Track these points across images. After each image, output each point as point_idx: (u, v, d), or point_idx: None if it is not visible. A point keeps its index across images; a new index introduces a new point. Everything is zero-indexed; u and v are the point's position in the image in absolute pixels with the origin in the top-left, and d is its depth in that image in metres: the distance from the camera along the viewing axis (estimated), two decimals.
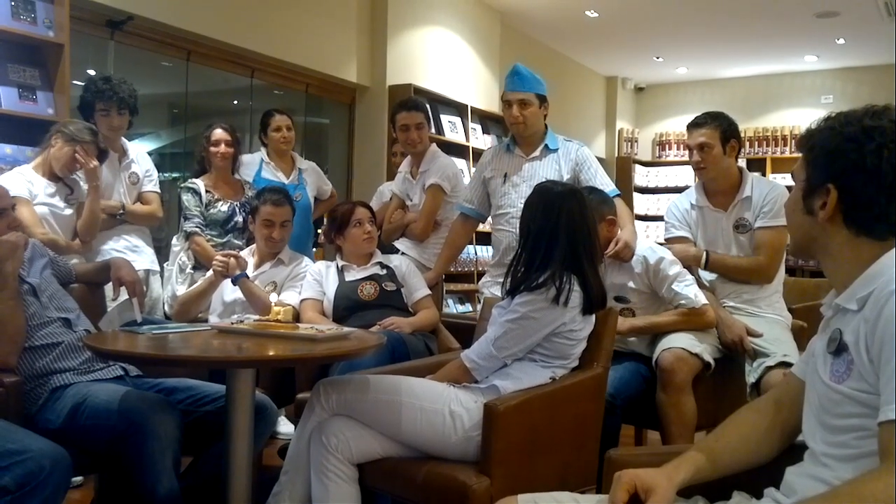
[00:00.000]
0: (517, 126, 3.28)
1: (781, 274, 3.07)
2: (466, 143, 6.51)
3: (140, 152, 3.76)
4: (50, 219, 3.18)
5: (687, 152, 3.09)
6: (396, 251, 3.77)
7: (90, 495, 2.68)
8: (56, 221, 3.21)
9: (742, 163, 3.15)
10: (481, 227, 3.89)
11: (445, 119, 6.34)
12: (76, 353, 2.32)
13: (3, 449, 1.76)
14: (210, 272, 3.20)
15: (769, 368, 2.71)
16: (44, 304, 2.37)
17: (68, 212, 3.26)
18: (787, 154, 9.16)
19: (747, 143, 9.26)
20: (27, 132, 3.32)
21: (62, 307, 2.42)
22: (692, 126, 3.04)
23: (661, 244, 3.05)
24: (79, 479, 2.82)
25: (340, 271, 3.21)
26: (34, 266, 2.44)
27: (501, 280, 3.27)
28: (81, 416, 2.13)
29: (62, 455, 1.81)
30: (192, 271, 3.62)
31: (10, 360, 2.17)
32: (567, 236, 2.24)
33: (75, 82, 3.77)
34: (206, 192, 3.73)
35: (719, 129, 2.98)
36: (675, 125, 10.11)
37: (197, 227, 3.64)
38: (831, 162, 1.29)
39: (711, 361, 2.74)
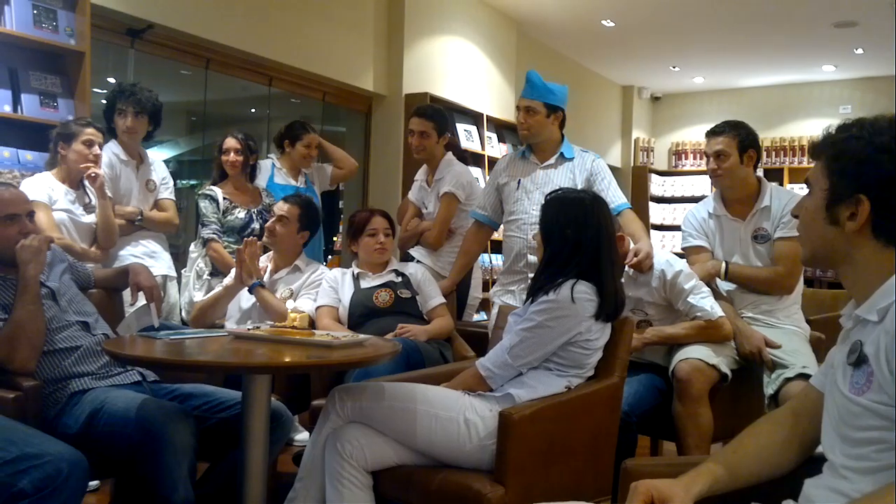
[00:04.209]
0: (521, 132, 3.33)
1: (800, 285, 3.04)
2: (482, 152, 6.52)
3: (157, 160, 3.79)
4: (69, 225, 3.21)
5: (704, 161, 3.08)
6: (411, 259, 3.78)
7: (106, 499, 2.70)
8: (75, 228, 3.24)
9: (760, 173, 3.13)
10: (495, 236, 3.89)
11: (461, 127, 6.35)
12: (95, 357, 2.34)
13: (21, 452, 1.77)
14: (228, 279, 3.22)
15: (788, 380, 2.68)
16: (63, 308, 2.39)
17: (87, 219, 3.29)
18: (805, 164, 9.09)
19: (765, 154, 9.21)
20: (48, 139, 3.35)
21: (81, 311, 2.44)
22: (710, 134, 3.04)
23: (677, 254, 3.04)
24: (95, 483, 2.83)
25: (356, 278, 3.21)
26: (54, 270, 2.46)
27: (512, 288, 3.31)
28: (99, 423, 2.14)
29: (80, 459, 1.82)
30: (209, 277, 3.65)
31: (29, 364, 2.19)
32: (591, 243, 2.24)
33: (96, 90, 3.81)
34: (224, 198, 3.76)
35: (737, 138, 2.97)
36: (692, 135, 10.07)
37: (214, 233, 3.68)
38: (862, 172, 1.27)
39: (728, 372, 2.72)
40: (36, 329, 2.21)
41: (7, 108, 3.45)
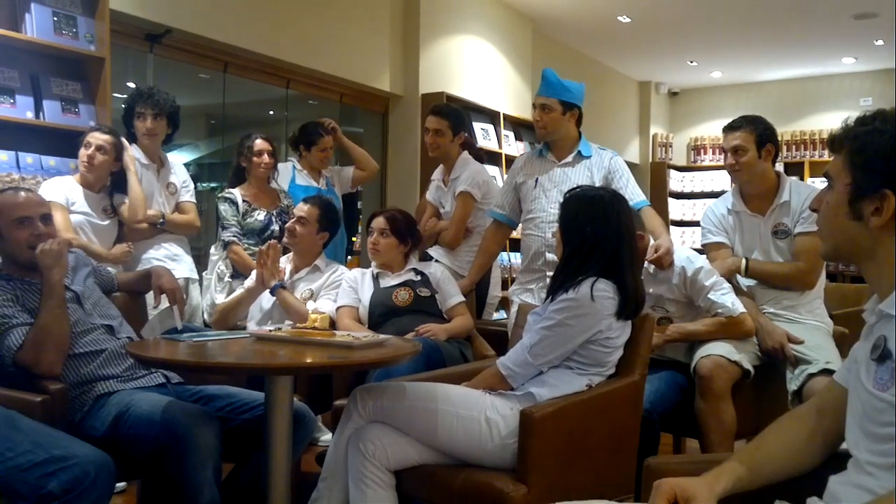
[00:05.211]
0: (538, 130, 3.33)
1: (822, 280, 3.02)
2: (499, 150, 6.51)
3: (177, 163, 3.83)
4: (87, 228, 3.25)
5: (723, 156, 3.07)
6: (430, 259, 3.79)
7: (133, 501, 2.73)
8: (93, 231, 3.28)
9: (780, 167, 3.11)
10: (514, 234, 3.89)
11: (478, 126, 6.35)
12: (119, 360, 2.36)
13: (49, 455, 1.79)
14: (248, 281, 3.25)
15: (811, 376, 2.66)
16: (87, 312, 2.42)
17: (105, 223, 3.33)
18: (826, 158, 9.00)
19: (784, 147, 9.14)
20: (70, 144, 3.39)
21: (105, 315, 2.47)
22: (727, 129, 3.02)
23: (697, 250, 3.02)
24: (122, 484, 2.86)
25: (375, 278, 3.23)
26: (78, 274, 2.50)
27: (531, 287, 3.31)
28: (125, 425, 2.17)
29: (107, 461, 1.84)
30: (230, 280, 3.68)
31: (55, 367, 2.22)
32: (611, 240, 2.24)
33: (116, 95, 3.85)
34: (243, 201, 3.79)
35: (755, 132, 2.95)
36: (711, 129, 10.00)
37: (234, 236, 3.70)
38: (888, 166, 1.25)
39: (751, 369, 2.70)
40: (61, 333, 2.24)
41: (30, 115, 3.49)
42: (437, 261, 3.74)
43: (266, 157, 3.83)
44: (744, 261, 2.96)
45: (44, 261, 2.27)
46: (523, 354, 2.23)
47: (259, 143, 3.84)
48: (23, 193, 2.43)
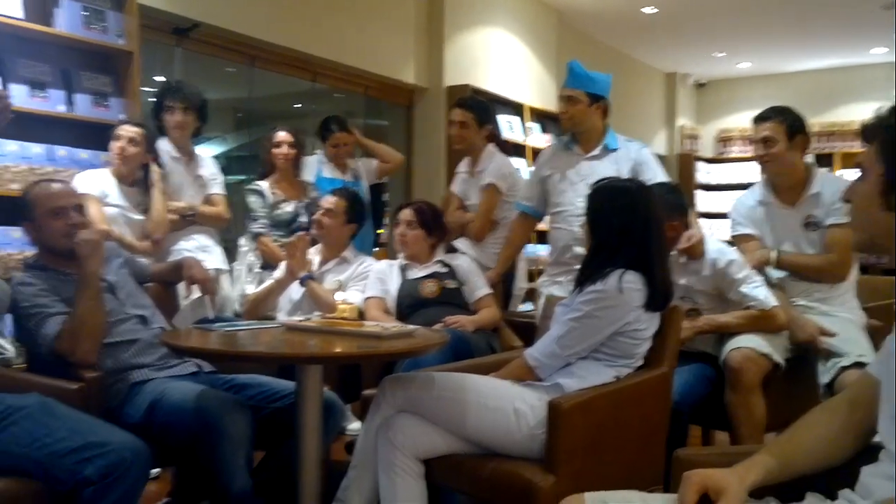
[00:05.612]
0: (563, 122, 3.32)
1: (855, 272, 2.99)
2: (524, 143, 6.50)
3: (206, 156, 3.87)
4: (120, 221, 3.29)
5: (751, 148, 3.04)
6: (456, 251, 3.79)
7: (167, 487, 2.77)
8: (127, 224, 3.32)
9: (810, 158, 3.08)
10: (540, 226, 3.88)
11: (503, 118, 6.34)
12: (153, 349, 2.40)
13: (85, 441, 1.82)
14: (278, 272, 3.28)
15: (844, 368, 2.63)
16: (121, 302, 2.45)
17: (139, 217, 3.37)
18: (856, 149, 8.87)
19: (815, 138, 9.02)
20: (101, 137, 3.44)
21: (138, 305, 2.51)
22: (757, 120, 3.00)
23: (727, 242, 3.00)
24: (157, 470, 2.90)
25: (402, 270, 3.25)
26: (112, 265, 2.53)
27: (560, 279, 3.30)
28: (159, 413, 2.20)
29: (142, 448, 1.87)
30: (259, 271, 3.72)
31: (90, 356, 2.25)
32: (639, 232, 2.23)
33: (144, 89, 3.90)
34: (272, 193, 3.82)
35: (784, 123, 2.92)
36: (739, 121, 9.89)
37: (263, 227, 3.74)
38: None
39: (782, 362, 2.68)
40: (97, 322, 2.28)
41: (61, 108, 3.55)
42: (463, 253, 3.75)
43: (285, 149, 3.86)
44: (774, 252, 2.94)
45: (81, 251, 2.30)
46: (551, 346, 2.24)
47: (279, 135, 3.88)
48: (56, 184, 2.47)
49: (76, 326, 2.24)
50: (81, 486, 1.77)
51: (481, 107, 4.03)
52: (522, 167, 6.05)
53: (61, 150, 3.48)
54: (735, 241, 3.10)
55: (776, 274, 3.00)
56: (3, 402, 1.90)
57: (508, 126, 6.37)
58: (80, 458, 1.79)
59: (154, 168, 3.37)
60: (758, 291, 2.73)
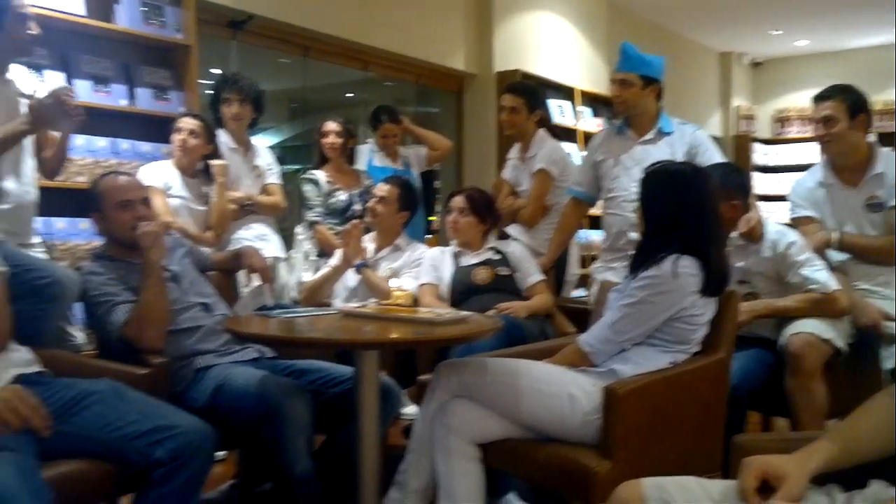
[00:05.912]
0: (616, 106, 3.28)
1: None
2: (575, 127, 6.45)
3: (261, 146, 3.94)
4: (184, 212, 3.38)
5: (810, 128, 2.97)
6: (508, 237, 3.80)
7: (232, 469, 2.86)
8: (190, 215, 3.40)
9: (872, 138, 3.00)
10: (593, 211, 3.86)
11: (554, 103, 6.29)
12: (215, 335, 2.46)
13: (154, 425, 1.88)
14: (333, 259, 3.33)
15: None
16: (184, 290, 2.52)
17: (202, 207, 3.45)
18: None
19: (877, 117, 8.72)
20: (162, 130, 3.53)
21: (201, 293, 2.58)
22: (817, 99, 2.93)
23: (786, 225, 2.94)
24: (222, 453, 2.99)
25: (455, 257, 3.27)
26: (175, 255, 2.61)
27: (614, 265, 3.28)
28: (223, 398, 2.26)
29: (208, 431, 1.93)
30: (316, 258, 3.78)
31: (157, 342, 2.33)
32: (694, 216, 2.20)
33: (201, 81, 3.99)
34: (326, 182, 3.88)
35: (846, 102, 2.85)
36: (797, 100, 9.63)
37: (318, 216, 3.80)
38: None
39: (844, 347, 2.63)
40: (162, 309, 2.35)
41: (123, 102, 3.66)
42: (515, 239, 3.75)
43: (332, 138, 3.92)
44: (836, 233, 2.87)
45: (144, 241, 2.37)
46: (605, 331, 2.23)
47: (327, 125, 3.95)
48: (123, 177, 2.55)
49: (142, 314, 2.31)
50: (152, 467, 1.83)
51: (531, 92, 4.02)
52: (574, 152, 6.00)
53: (124, 144, 3.59)
54: (795, 223, 3.04)
55: (837, 257, 2.93)
56: (76, 387, 1.96)
57: (559, 110, 6.32)
58: (150, 440, 1.85)
59: (216, 162, 3.44)
60: (819, 274, 2.66)
